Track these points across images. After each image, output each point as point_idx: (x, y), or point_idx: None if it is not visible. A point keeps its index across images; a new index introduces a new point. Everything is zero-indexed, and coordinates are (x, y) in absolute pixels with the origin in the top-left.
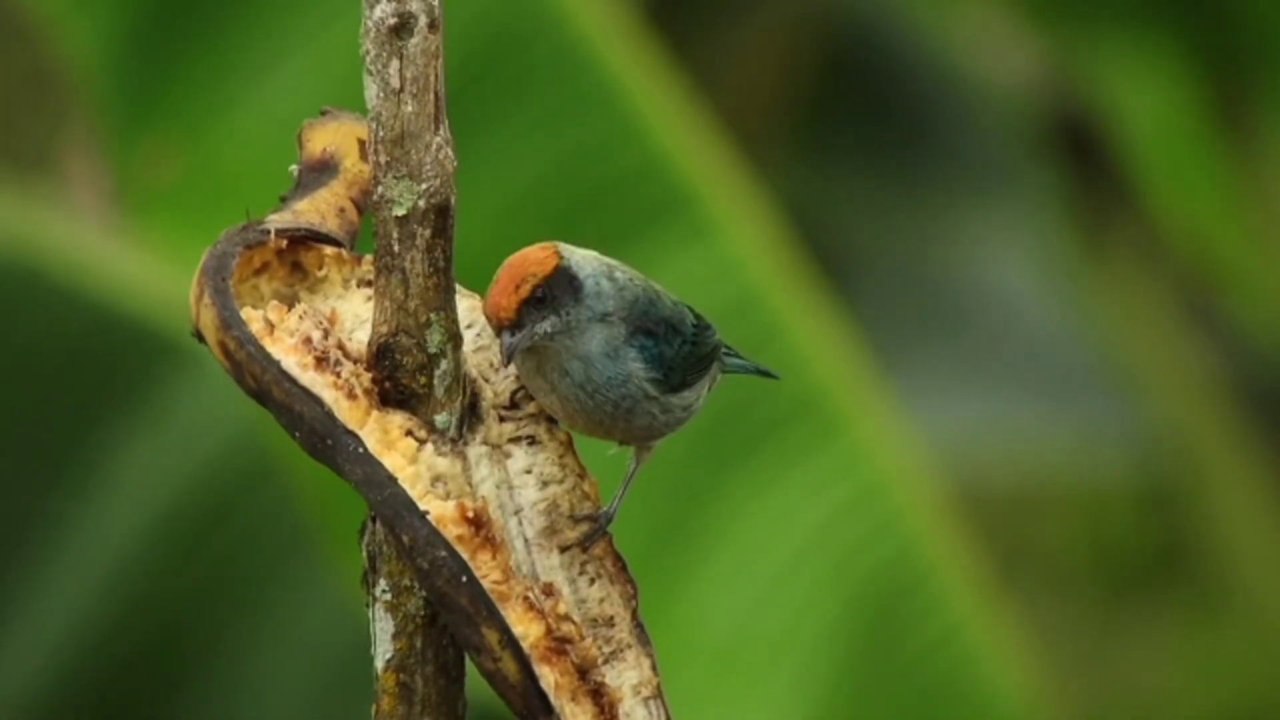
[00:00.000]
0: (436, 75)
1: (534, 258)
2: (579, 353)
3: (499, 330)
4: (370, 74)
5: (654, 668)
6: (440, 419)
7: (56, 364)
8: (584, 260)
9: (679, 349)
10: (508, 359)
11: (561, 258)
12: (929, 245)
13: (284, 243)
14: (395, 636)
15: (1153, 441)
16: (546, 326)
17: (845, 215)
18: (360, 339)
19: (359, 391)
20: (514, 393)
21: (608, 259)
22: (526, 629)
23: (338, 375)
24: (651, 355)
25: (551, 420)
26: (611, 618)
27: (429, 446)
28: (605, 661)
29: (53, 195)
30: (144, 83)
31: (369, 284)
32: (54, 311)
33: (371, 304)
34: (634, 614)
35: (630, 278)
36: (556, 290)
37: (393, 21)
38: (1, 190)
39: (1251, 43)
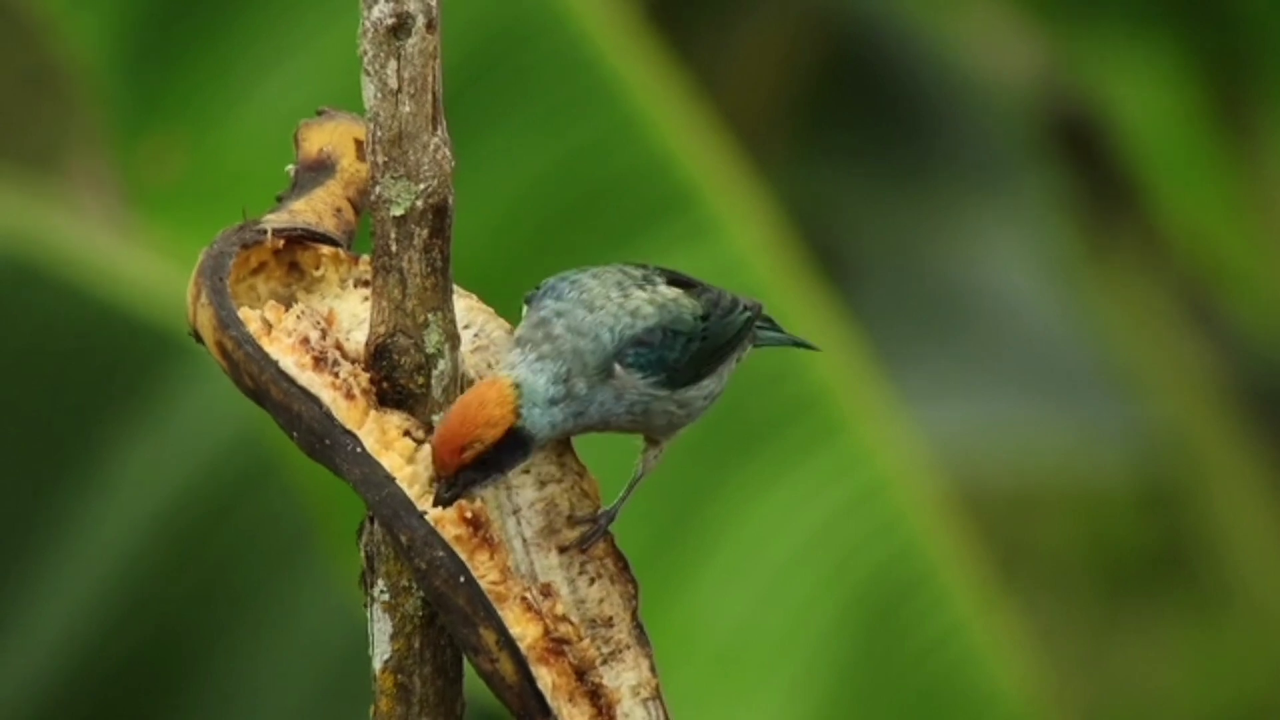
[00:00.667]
0: (434, 75)
1: (486, 416)
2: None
3: (437, 479)
4: (368, 74)
5: (653, 668)
6: (438, 419)
7: (57, 362)
8: (543, 385)
9: (685, 348)
10: (444, 506)
11: (518, 417)
12: (930, 245)
13: (281, 242)
14: (393, 637)
15: (1153, 441)
16: (483, 489)
17: (846, 215)
18: (358, 339)
19: (357, 391)
20: None
21: (603, 274)
22: (524, 629)
23: (335, 375)
24: (648, 361)
25: None
26: (610, 618)
27: (427, 446)
28: (604, 662)
29: (54, 193)
30: (146, 81)
31: (366, 284)
32: (55, 310)
33: (369, 304)
34: (633, 614)
35: (597, 319)
36: (503, 454)
37: (390, 22)
38: (3, 188)
39: (1251, 43)
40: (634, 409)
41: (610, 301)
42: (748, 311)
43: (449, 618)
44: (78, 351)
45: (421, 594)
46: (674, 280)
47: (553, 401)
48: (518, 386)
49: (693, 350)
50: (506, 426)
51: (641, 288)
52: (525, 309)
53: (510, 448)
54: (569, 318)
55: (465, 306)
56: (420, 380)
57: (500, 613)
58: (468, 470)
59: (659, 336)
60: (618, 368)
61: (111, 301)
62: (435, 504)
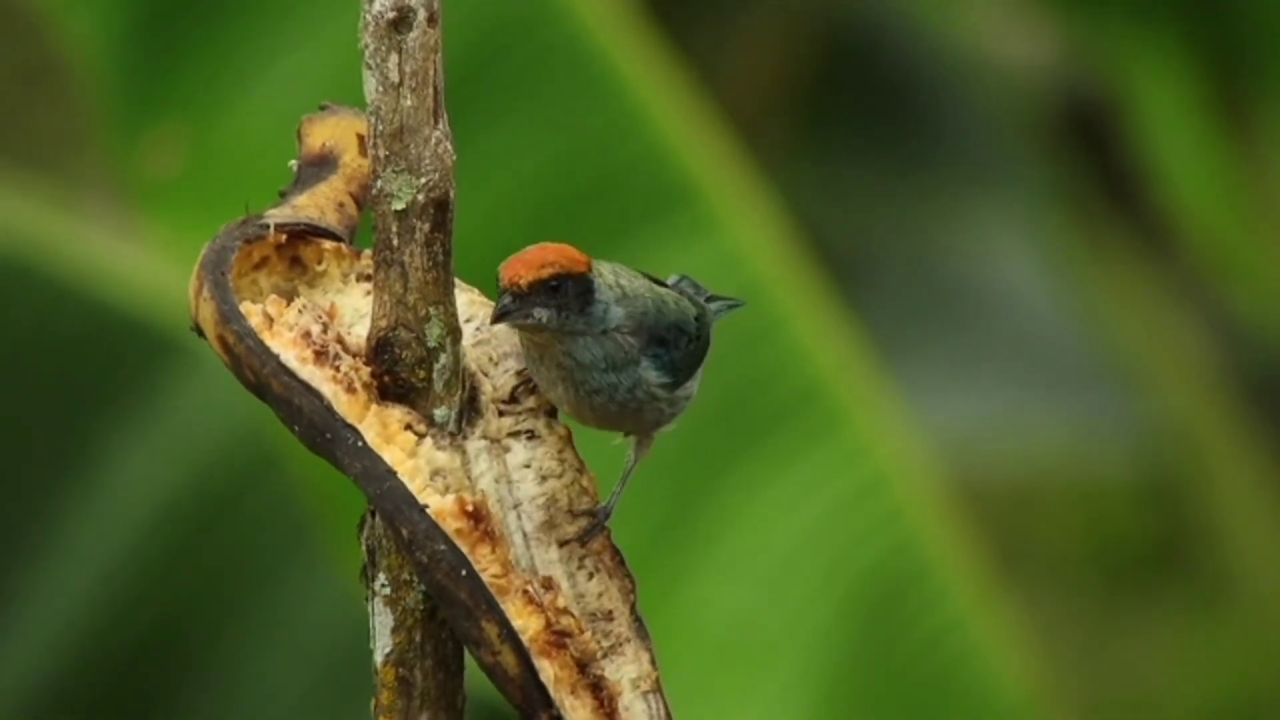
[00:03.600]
0: (435, 69)
1: (569, 253)
2: (577, 358)
3: (502, 293)
4: (369, 68)
5: (653, 662)
6: (439, 413)
7: (56, 360)
8: (606, 282)
9: (685, 348)
10: (496, 320)
11: (591, 269)
12: (931, 238)
13: (283, 237)
14: (394, 630)
15: (1154, 434)
16: (543, 316)
17: (847, 209)
18: (359, 333)
19: (358, 385)
20: (514, 388)
21: (621, 268)
22: (526, 622)
23: (337, 369)
24: (664, 363)
25: (551, 414)
26: (610, 612)
27: (428, 440)
28: (604, 655)
29: (51, 190)
30: (148, 76)
31: (368, 279)
32: (53, 307)
33: (371, 298)
34: (632, 608)
35: (639, 287)
36: (571, 289)
37: (391, 15)
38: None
39: (1255, 35)
40: (630, 404)
41: (643, 283)
42: (708, 305)
43: (451, 611)
44: (76, 349)
45: (423, 588)
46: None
47: (617, 301)
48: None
49: (689, 350)
50: (583, 268)
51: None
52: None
53: (580, 289)
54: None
55: (467, 300)
56: (422, 374)
57: (502, 606)
58: (539, 289)
59: (673, 334)
60: (644, 362)
61: (109, 299)
62: (494, 319)
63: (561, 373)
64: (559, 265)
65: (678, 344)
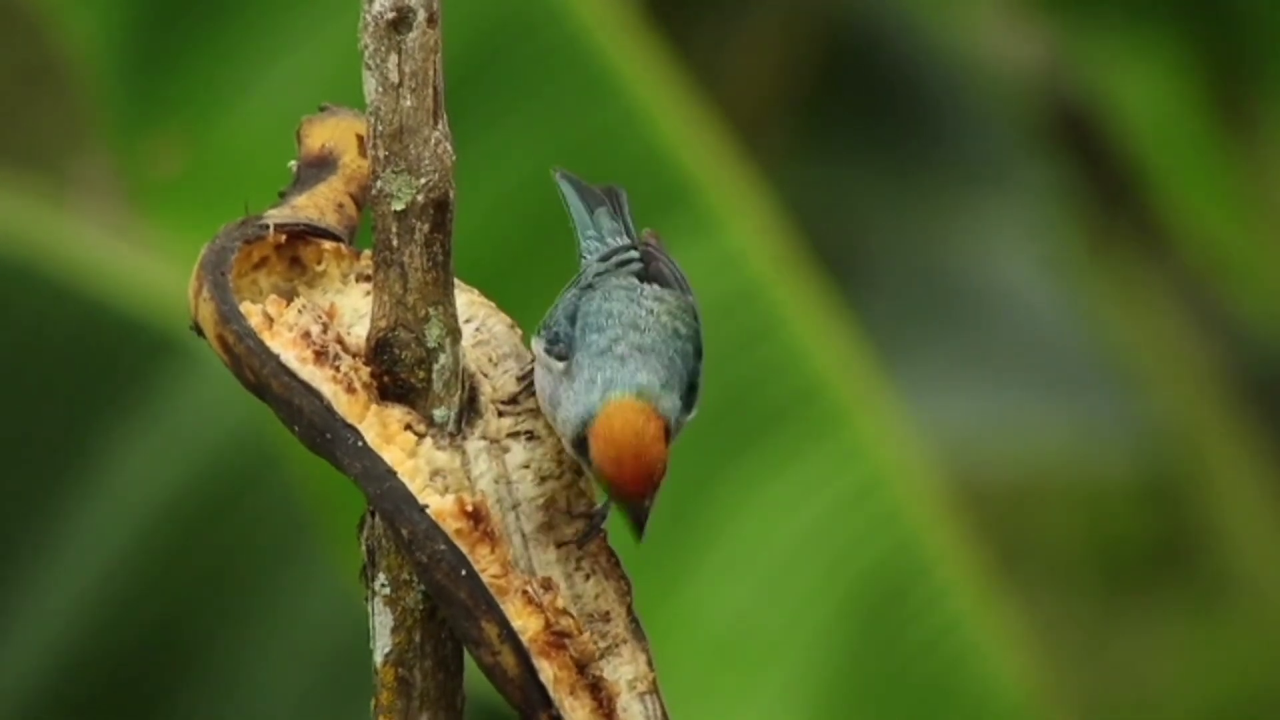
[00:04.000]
0: (435, 70)
1: (649, 437)
2: None
3: (636, 508)
4: (369, 69)
5: (650, 663)
6: (439, 413)
7: (54, 359)
8: (651, 379)
9: (696, 365)
10: (639, 530)
11: (662, 418)
12: (931, 237)
13: (283, 238)
14: (394, 631)
15: (1154, 434)
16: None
17: (846, 209)
18: (359, 333)
19: (358, 385)
20: (514, 389)
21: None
22: (526, 623)
23: (337, 369)
24: (690, 403)
25: None
26: (607, 613)
27: (428, 440)
28: (602, 656)
29: (49, 190)
30: (146, 76)
31: (368, 279)
32: (51, 306)
33: (370, 298)
34: (629, 609)
35: (650, 337)
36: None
37: (391, 16)
38: None
39: (1253, 35)
40: None
41: (648, 315)
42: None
43: (450, 611)
44: (74, 349)
45: (422, 588)
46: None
47: (665, 387)
48: (640, 394)
49: (696, 364)
50: (664, 432)
51: (648, 302)
52: (535, 344)
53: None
54: (625, 343)
55: (466, 301)
56: (421, 374)
57: (502, 606)
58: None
59: (695, 368)
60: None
61: (108, 298)
62: (640, 530)
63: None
64: (660, 462)
65: (697, 372)
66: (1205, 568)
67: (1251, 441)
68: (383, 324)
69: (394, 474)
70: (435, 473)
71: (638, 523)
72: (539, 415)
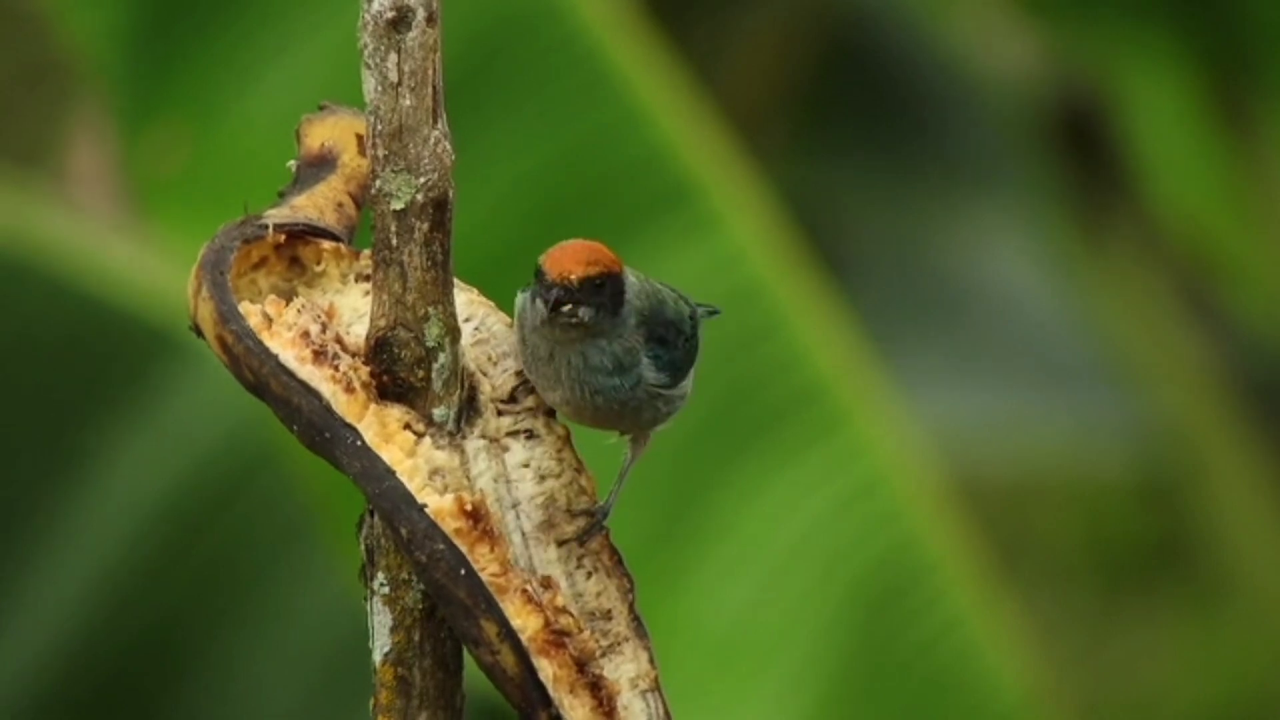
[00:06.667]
0: (434, 69)
1: (607, 252)
2: (589, 360)
3: (551, 286)
4: (368, 68)
5: (651, 660)
6: (438, 412)
7: (52, 357)
8: (629, 281)
9: (682, 347)
10: (552, 310)
11: (623, 270)
12: (928, 237)
13: (282, 237)
14: (393, 630)
15: (1152, 433)
16: (586, 315)
17: (845, 208)
18: (358, 333)
19: (357, 385)
20: (513, 387)
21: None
22: (525, 621)
23: (336, 369)
24: (663, 363)
25: (550, 414)
26: (609, 611)
27: (427, 440)
28: (603, 654)
29: (48, 188)
30: (147, 75)
31: (367, 278)
32: (49, 304)
33: (369, 298)
34: (631, 607)
35: (642, 282)
36: (609, 289)
37: (390, 15)
38: None
39: (1252, 35)
40: (630, 403)
41: (645, 281)
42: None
43: (449, 610)
44: (72, 346)
45: (421, 587)
46: None
47: (628, 300)
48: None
49: (686, 349)
50: (619, 269)
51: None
52: (520, 299)
53: (616, 290)
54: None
55: (466, 300)
56: (421, 374)
57: (501, 605)
58: (587, 287)
59: (672, 334)
60: (645, 361)
61: (106, 296)
62: (551, 310)
63: (568, 371)
64: (604, 264)
65: (675, 343)
66: (1203, 567)
67: (1250, 441)
68: (382, 323)
69: (393, 473)
70: (434, 472)
71: (547, 301)
72: (538, 414)
